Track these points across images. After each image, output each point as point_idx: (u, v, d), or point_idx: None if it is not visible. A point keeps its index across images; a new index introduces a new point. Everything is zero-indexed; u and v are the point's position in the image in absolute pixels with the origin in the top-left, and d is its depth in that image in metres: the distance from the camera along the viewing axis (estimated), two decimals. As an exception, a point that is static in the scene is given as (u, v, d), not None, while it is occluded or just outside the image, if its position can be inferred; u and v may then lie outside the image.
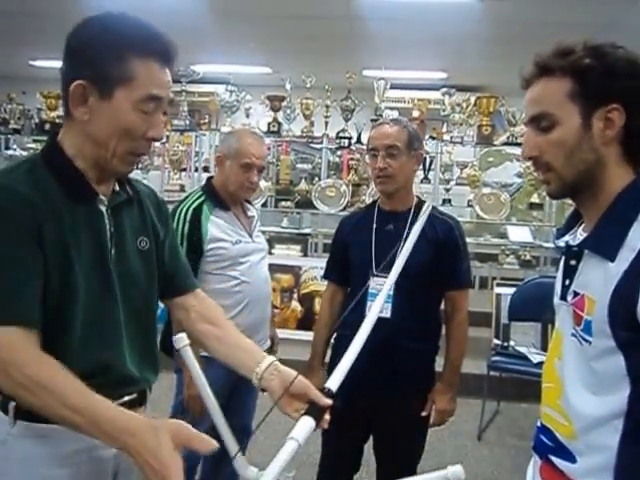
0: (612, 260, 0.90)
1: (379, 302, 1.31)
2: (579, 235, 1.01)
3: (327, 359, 1.92)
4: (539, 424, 1.06)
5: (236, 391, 1.91)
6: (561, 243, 1.04)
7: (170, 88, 1.02)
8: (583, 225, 1.02)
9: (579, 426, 0.95)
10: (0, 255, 0.91)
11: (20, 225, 0.92)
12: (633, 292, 0.86)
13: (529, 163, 1.15)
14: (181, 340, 1.04)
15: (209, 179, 2.06)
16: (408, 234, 1.76)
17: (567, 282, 1.00)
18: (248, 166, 1.91)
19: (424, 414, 1.81)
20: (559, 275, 1.04)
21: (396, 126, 1.78)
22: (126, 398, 1.05)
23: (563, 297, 1.01)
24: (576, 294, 0.97)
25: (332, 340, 1.90)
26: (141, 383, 1.09)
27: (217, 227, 1.90)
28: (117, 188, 1.08)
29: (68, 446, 0.98)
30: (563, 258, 1.04)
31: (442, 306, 1.90)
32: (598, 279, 0.92)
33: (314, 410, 0.93)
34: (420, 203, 1.85)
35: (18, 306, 0.91)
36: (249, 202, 2.10)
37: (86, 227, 1.00)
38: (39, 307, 0.93)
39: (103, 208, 1.04)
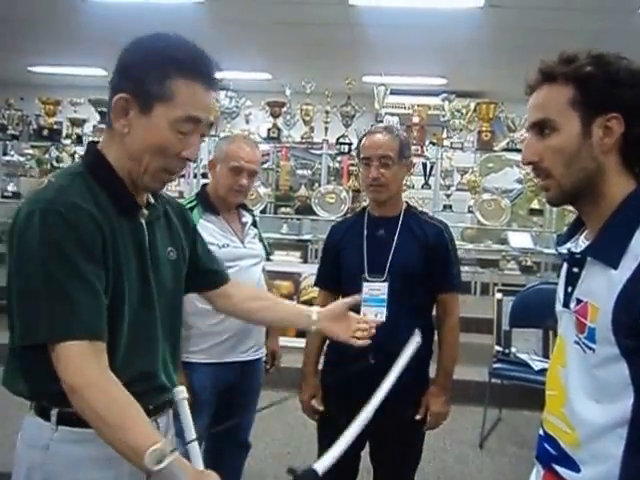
0: (615, 267, 0.90)
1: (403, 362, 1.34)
2: (581, 242, 1.01)
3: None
4: (542, 432, 1.05)
5: (231, 402, 1.90)
6: (563, 250, 1.04)
7: (212, 111, 1.03)
8: (585, 232, 1.02)
9: (583, 434, 0.94)
10: (71, 271, 0.93)
11: (88, 242, 0.95)
12: (637, 299, 0.86)
13: (529, 169, 1.16)
14: (179, 392, 1.09)
15: (203, 185, 2.10)
16: (399, 239, 1.80)
17: (570, 289, 1.00)
18: (237, 169, 1.92)
19: (418, 418, 1.82)
20: (561, 282, 1.04)
21: (388, 135, 1.80)
22: (159, 402, 1.09)
23: (566, 304, 1.01)
24: (579, 301, 0.97)
25: (325, 347, 1.91)
26: (170, 388, 1.13)
27: (205, 230, 1.87)
28: (152, 200, 1.11)
29: (109, 448, 0.99)
30: (565, 265, 1.04)
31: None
32: (601, 286, 0.92)
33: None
34: (409, 208, 1.89)
35: (88, 321, 0.94)
36: (247, 208, 2.10)
37: (130, 240, 1.04)
38: (105, 321, 0.97)
39: (143, 221, 1.07)
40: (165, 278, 1.10)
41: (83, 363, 0.91)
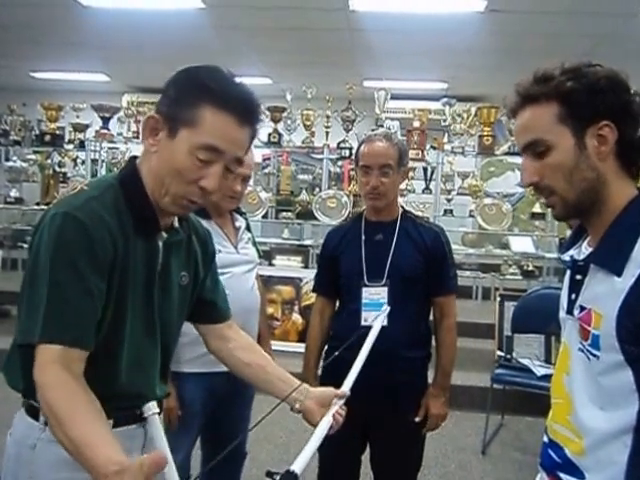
0: (619, 274, 0.90)
1: (372, 338, 1.37)
2: (584, 249, 1.01)
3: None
4: (546, 439, 1.04)
5: (223, 412, 1.86)
6: (566, 257, 1.04)
7: (244, 148, 1.03)
8: (588, 239, 1.02)
9: (589, 442, 0.94)
10: (74, 278, 0.94)
11: (100, 255, 0.96)
12: None
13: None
14: (149, 408, 1.07)
15: None
16: (397, 243, 1.81)
17: (573, 296, 1.00)
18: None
19: (417, 419, 1.83)
20: (564, 289, 1.04)
21: (388, 143, 1.81)
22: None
23: (569, 311, 1.01)
24: (583, 308, 0.97)
25: (324, 353, 1.91)
26: (161, 397, 1.16)
27: None
28: (176, 224, 1.11)
29: None
30: (569, 272, 1.03)
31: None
32: (605, 293, 0.92)
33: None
34: (405, 212, 1.90)
35: (73, 327, 0.94)
36: (240, 212, 2.03)
37: (142, 260, 1.04)
38: (94, 334, 0.97)
39: (160, 243, 1.07)
40: (172, 301, 1.12)
41: (53, 365, 0.91)
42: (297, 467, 0.90)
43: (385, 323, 1.75)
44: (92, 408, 0.90)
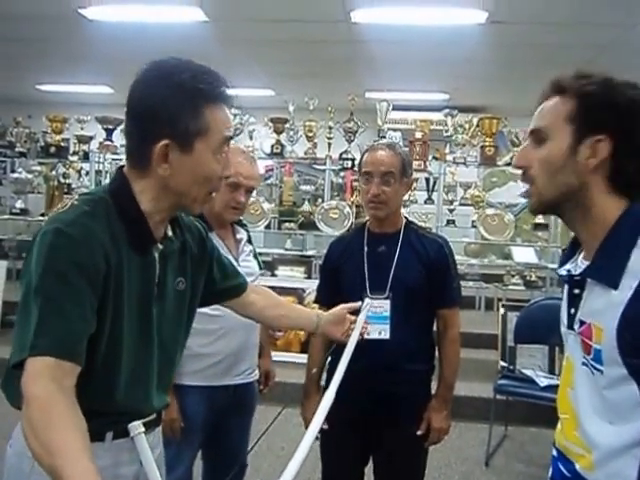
0: (615, 288, 0.90)
1: (355, 335, 1.42)
2: (580, 263, 1.01)
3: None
4: (555, 453, 1.04)
5: (224, 425, 1.85)
6: (563, 272, 1.03)
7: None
8: (584, 253, 1.02)
9: (597, 456, 0.93)
10: (65, 291, 0.92)
11: (91, 269, 0.95)
12: None
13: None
14: (135, 428, 1.04)
15: None
16: (400, 255, 1.80)
17: (572, 311, 1.00)
18: (235, 185, 1.82)
19: (419, 433, 1.80)
20: (564, 304, 1.04)
21: (391, 152, 1.80)
22: (147, 420, 1.08)
23: (570, 326, 1.00)
24: (582, 323, 0.97)
25: (327, 364, 1.89)
26: (160, 408, 1.15)
27: None
28: (170, 233, 1.10)
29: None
30: (566, 287, 1.03)
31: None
32: (603, 307, 0.92)
33: None
34: (409, 223, 1.88)
35: (62, 340, 0.91)
36: (241, 224, 2.01)
37: (138, 273, 1.03)
38: (85, 345, 0.94)
39: (156, 254, 1.06)
40: (170, 308, 1.11)
41: (42, 378, 0.88)
42: (287, 478, 0.87)
43: (387, 336, 1.76)
44: (72, 426, 0.85)
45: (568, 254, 1.06)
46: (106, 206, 1.00)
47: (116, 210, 1.00)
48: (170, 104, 0.97)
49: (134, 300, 1.02)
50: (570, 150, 0.95)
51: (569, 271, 1.02)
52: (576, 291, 0.99)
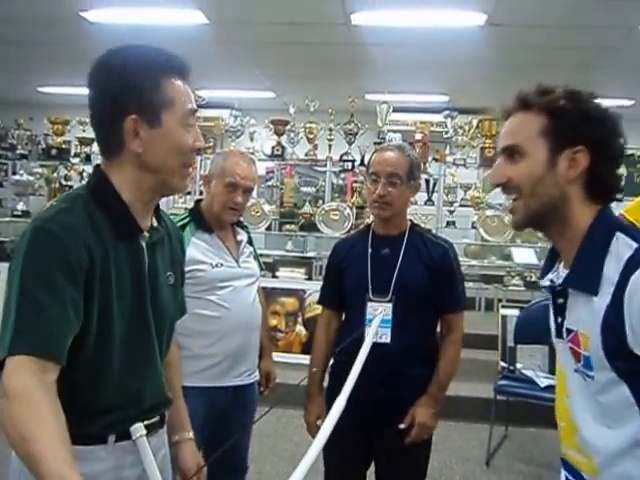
0: (595, 294, 0.93)
1: (370, 339, 1.34)
2: (562, 272, 1.02)
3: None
4: (562, 464, 1.06)
5: (224, 427, 1.85)
6: (546, 282, 1.05)
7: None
8: (564, 262, 1.03)
9: (599, 461, 0.95)
10: (47, 289, 0.92)
11: (74, 265, 0.94)
12: (620, 324, 0.89)
13: None
14: (137, 430, 1.03)
15: (197, 201, 2.00)
16: (404, 258, 1.78)
17: (559, 320, 1.02)
18: (232, 185, 1.84)
19: (402, 426, 1.74)
20: (551, 314, 1.06)
21: (399, 153, 1.79)
22: (149, 422, 1.08)
23: (559, 335, 1.02)
24: (569, 331, 0.99)
25: (329, 367, 1.89)
26: (162, 407, 1.14)
27: (197, 249, 1.82)
28: (155, 223, 1.11)
29: (95, 466, 1.00)
30: (551, 297, 1.05)
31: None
32: (586, 314, 0.94)
33: None
34: (413, 226, 1.86)
35: (44, 339, 0.90)
36: (241, 225, 2.02)
37: (127, 262, 1.03)
38: (67, 343, 0.93)
39: (143, 243, 1.06)
40: (164, 302, 1.11)
41: (19, 371, 0.87)
42: None
43: (388, 340, 1.73)
44: (51, 417, 0.84)
45: (548, 264, 1.07)
46: (84, 202, 1.01)
47: (97, 204, 1.01)
48: (129, 80, 1.00)
49: (126, 292, 1.02)
50: (548, 163, 0.97)
51: (552, 281, 1.03)
52: (560, 300, 1.01)
